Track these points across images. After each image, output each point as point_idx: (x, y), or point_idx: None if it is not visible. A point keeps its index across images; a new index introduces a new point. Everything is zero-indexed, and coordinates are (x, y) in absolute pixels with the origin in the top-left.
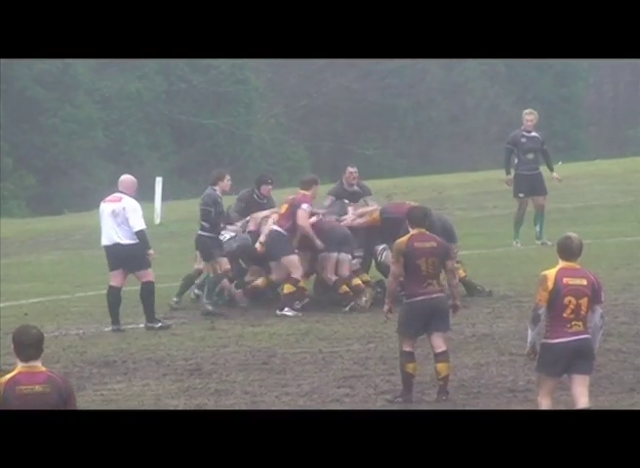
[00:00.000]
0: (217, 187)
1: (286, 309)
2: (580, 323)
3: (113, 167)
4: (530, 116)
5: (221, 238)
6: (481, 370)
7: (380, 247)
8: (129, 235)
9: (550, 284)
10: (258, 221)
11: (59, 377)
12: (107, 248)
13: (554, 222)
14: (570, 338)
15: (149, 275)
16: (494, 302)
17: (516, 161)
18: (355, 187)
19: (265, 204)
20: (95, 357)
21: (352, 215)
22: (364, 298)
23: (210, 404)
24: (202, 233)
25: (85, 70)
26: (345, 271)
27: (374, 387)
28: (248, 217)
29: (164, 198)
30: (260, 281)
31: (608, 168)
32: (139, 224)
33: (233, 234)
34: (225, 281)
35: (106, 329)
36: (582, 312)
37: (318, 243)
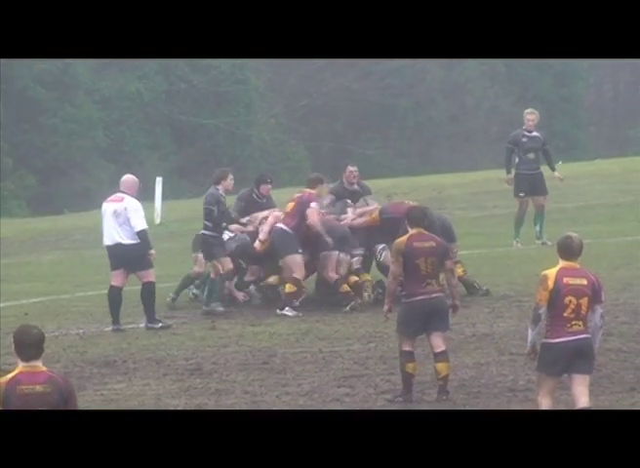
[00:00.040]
0: (220, 186)
1: (286, 309)
2: (581, 322)
3: (113, 167)
4: (531, 116)
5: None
6: (481, 369)
7: (380, 246)
8: (130, 235)
9: (551, 283)
10: (257, 222)
11: (59, 377)
12: (109, 248)
13: (554, 222)
14: (570, 338)
15: (150, 275)
16: (494, 302)
17: (517, 160)
18: (355, 186)
19: (265, 203)
20: (95, 357)
21: (352, 215)
22: (365, 293)
23: (210, 403)
24: (205, 232)
25: (85, 70)
26: (343, 271)
27: (374, 387)
28: (248, 217)
29: (164, 198)
30: (272, 279)
31: (608, 167)
32: (140, 224)
33: (232, 235)
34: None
35: (107, 328)
36: (583, 312)
37: (329, 240)
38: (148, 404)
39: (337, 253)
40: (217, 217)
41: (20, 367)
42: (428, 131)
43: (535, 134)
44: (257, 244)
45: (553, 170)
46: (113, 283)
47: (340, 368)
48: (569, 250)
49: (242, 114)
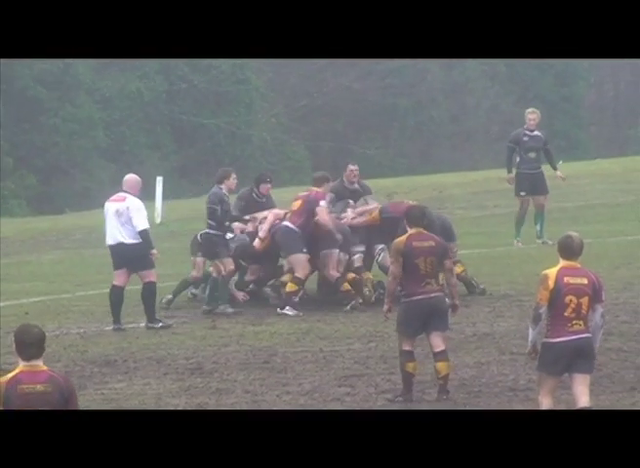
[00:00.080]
0: (223, 186)
1: (287, 308)
2: (581, 322)
3: (114, 166)
4: (532, 115)
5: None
6: (482, 369)
7: (379, 247)
8: (132, 234)
9: (551, 283)
10: (257, 222)
11: (60, 376)
12: (112, 247)
13: (555, 221)
14: (571, 337)
15: (152, 275)
16: (494, 301)
17: (518, 159)
18: (356, 185)
19: (265, 202)
20: (96, 356)
21: (352, 214)
22: (365, 289)
23: (211, 403)
24: (209, 231)
25: (86, 70)
26: (342, 269)
27: (374, 386)
28: (249, 216)
29: (164, 197)
30: (286, 277)
31: (608, 167)
32: (142, 224)
33: (232, 235)
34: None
35: (107, 328)
36: (583, 311)
37: (339, 237)
38: (149, 403)
39: (337, 250)
40: (220, 217)
41: (21, 366)
42: (429, 130)
43: (536, 133)
44: (256, 242)
45: (555, 169)
46: (115, 282)
47: (341, 367)
48: (569, 249)
49: (243, 114)
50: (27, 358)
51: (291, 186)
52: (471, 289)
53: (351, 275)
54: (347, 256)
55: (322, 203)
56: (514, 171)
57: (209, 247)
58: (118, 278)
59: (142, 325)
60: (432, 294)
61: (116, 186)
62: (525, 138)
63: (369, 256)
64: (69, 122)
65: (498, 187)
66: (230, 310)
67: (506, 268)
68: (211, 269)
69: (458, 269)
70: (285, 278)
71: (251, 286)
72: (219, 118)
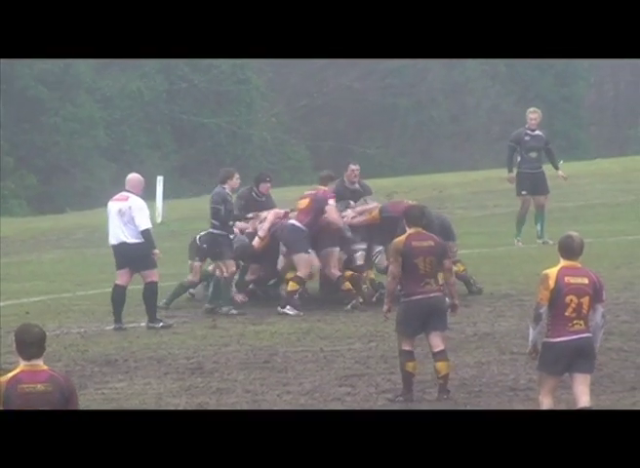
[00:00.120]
0: (226, 185)
1: (287, 307)
2: (582, 322)
3: (114, 166)
4: (534, 114)
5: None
6: (482, 368)
7: (377, 249)
8: (135, 234)
9: (552, 283)
10: (257, 222)
11: (61, 376)
12: (114, 247)
13: (555, 221)
14: (571, 337)
15: (154, 275)
16: (495, 301)
17: (519, 159)
18: (356, 185)
19: (264, 202)
20: (96, 355)
21: (352, 213)
22: (364, 286)
23: (211, 402)
24: (213, 231)
25: (86, 70)
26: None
27: (375, 386)
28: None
29: (165, 197)
30: (289, 275)
31: (608, 167)
32: (144, 223)
33: (232, 236)
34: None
35: (108, 327)
36: (584, 311)
37: (349, 234)
38: (149, 403)
39: (337, 249)
40: (224, 216)
41: (22, 365)
42: (429, 130)
43: (537, 132)
44: (255, 241)
45: (557, 168)
46: (118, 282)
47: (342, 367)
48: (570, 249)
49: (243, 113)
50: (28, 357)
51: (291, 186)
52: (469, 287)
53: (349, 272)
54: (346, 256)
55: (331, 201)
56: (515, 170)
57: (212, 246)
58: (121, 277)
59: (143, 324)
60: (431, 294)
61: (117, 186)
62: (526, 138)
63: (369, 256)
64: (70, 121)
65: (498, 187)
66: (234, 311)
67: (507, 268)
68: (210, 268)
69: (458, 268)
70: (288, 275)
71: (251, 285)
72: (219, 118)
